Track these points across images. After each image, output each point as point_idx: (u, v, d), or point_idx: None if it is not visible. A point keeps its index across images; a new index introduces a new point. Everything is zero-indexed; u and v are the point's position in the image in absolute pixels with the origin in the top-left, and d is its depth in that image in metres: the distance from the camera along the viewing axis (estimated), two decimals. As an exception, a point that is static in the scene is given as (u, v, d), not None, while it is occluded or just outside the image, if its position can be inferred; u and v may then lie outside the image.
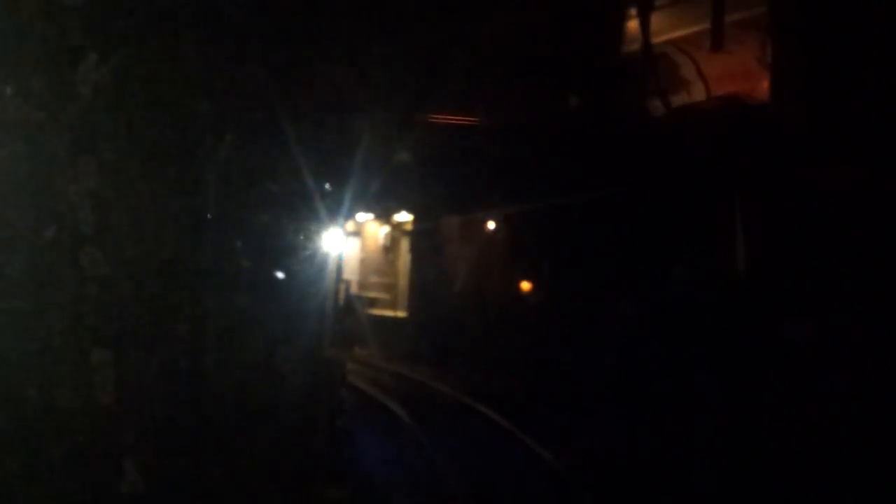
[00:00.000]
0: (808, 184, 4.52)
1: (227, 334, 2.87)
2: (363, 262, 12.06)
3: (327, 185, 3.59)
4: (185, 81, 2.71)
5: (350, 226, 9.05)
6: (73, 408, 2.44)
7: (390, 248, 12.08)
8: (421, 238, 10.46)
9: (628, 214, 5.60)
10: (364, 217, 11.02)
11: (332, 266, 3.63)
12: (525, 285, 8.18)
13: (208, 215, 2.90)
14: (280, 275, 3.13)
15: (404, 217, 11.05)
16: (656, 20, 5.88)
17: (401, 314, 10.86)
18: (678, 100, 6.05)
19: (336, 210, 3.82)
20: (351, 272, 9.94)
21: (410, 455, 4.74)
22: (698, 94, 6.12)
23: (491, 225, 8.51)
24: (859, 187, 4.33)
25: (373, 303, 10.63)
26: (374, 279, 11.46)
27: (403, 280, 11.60)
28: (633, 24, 6.09)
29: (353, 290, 8.81)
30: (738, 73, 5.84)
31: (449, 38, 5.24)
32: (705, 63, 6.09)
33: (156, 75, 2.66)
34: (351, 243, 10.23)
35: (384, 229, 11.85)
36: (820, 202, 4.42)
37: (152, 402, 2.61)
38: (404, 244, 11.68)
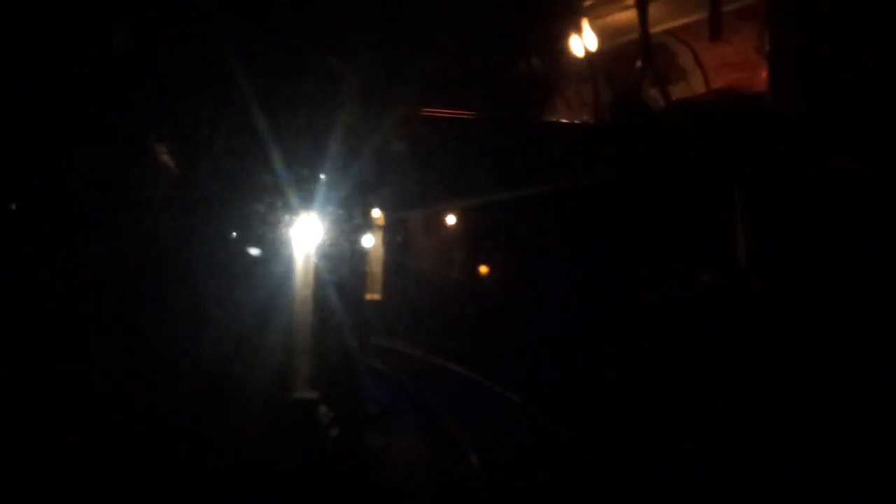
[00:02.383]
0: (805, 173, 4.51)
1: (226, 321, 2.96)
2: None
3: (322, 177, 3.70)
4: (181, 74, 2.73)
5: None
6: (74, 400, 2.47)
7: (364, 239, 13.08)
8: (391, 231, 11.39)
9: (574, 207, 5.92)
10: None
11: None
12: (482, 269, 9.28)
13: (205, 207, 2.93)
14: (321, 264, 3.57)
15: (375, 213, 11.88)
16: (654, 10, 5.85)
17: (375, 296, 11.78)
18: (677, 90, 6.02)
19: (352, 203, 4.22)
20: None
21: (401, 393, 6.30)
22: (697, 83, 6.10)
23: (451, 219, 9.54)
24: (857, 176, 4.32)
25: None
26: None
27: (377, 267, 12.47)
28: (631, 15, 6.04)
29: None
30: (736, 63, 5.81)
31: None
32: (703, 53, 6.06)
33: (151, 68, 2.68)
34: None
35: (358, 223, 12.76)
36: (818, 191, 4.40)
37: (152, 392, 2.63)
38: (377, 236, 12.51)
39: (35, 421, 2.43)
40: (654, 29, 6.05)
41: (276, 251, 3.16)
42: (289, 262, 3.11)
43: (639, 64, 6.05)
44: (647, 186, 5.13)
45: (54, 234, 2.64)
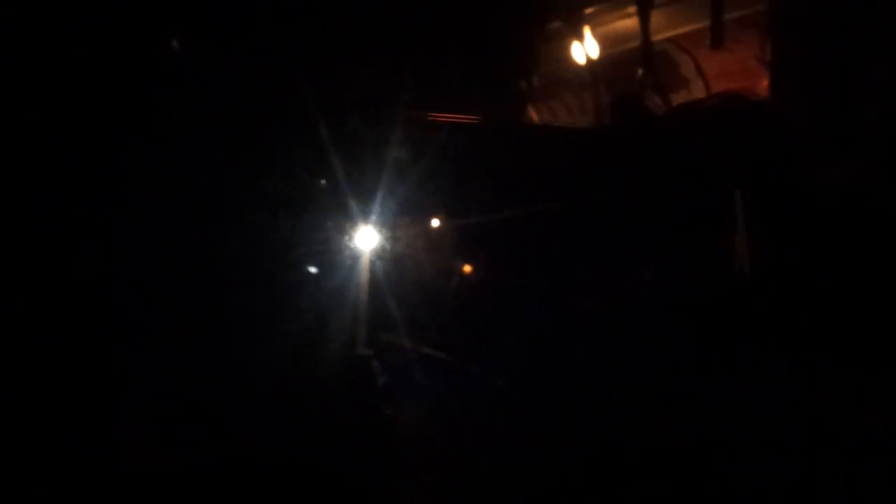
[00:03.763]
0: (807, 180, 4.51)
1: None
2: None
3: (323, 182, 3.93)
4: (184, 79, 2.76)
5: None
6: (84, 403, 2.49)
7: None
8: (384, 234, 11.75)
9: (572, 208, 5.95)
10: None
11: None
12: (466, 268, 9.52)
13: (211, 213, 2.97)
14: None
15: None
16: (656, 18, 5.89)
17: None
18: (678, 97, 6.05)
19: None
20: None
21: (399, 378, 6.27)
22: (698, 91, 6.12)
23: (446, 219, 9.89)
24: (859, 183, 4.33)
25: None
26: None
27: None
28: (632, 22, 6.08)
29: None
30: (737, 71, 5.84)
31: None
32: (705, 61, 6.09)
33: (154, 72, 2.70)
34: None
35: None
36: (820, 198, 4.41)
37: (161, 393, 2.68)
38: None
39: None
40: (656, 37, 6.09)
41: (346, 252, 4.21)
42: (354, 260, 4.22)
43: (640, 71, 6.08)
44: (647, 188, 5.13)
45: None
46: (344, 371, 4.12)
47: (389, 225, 6.01)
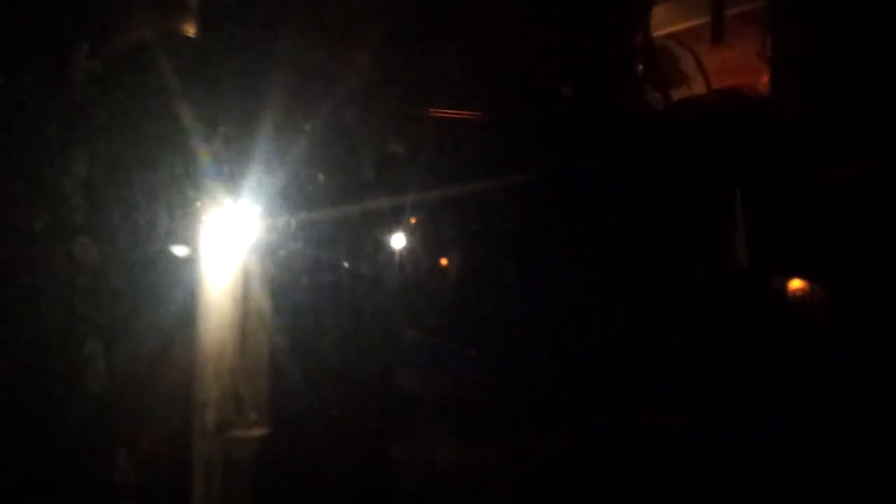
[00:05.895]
0: (807, 177, 4.50)
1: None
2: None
3: (320, 177, 3.97)
4: (178, 71, 2.75)
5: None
6: (65, 398, 2.48)
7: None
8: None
9: (572, 205, 5.93)
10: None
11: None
12: (443, 261, 9.79)
13: (199, 206, 2.95)
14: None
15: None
16: (656, 13, 5.84)
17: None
18: (678, 93, 6.01)
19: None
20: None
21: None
22: (698, 87, 6.07)
23: (412, 219, 10.10)
24: (860, 181, 4.31)
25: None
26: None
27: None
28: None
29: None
30: (738, 67, 5.79)
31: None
32: (705, 57, 6.04)
33: (148, 66, 2.70)
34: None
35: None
36: (818, 196, 4.39)
37: (145, 391, 2.66)
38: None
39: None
40: (656, 32, 6.05)
41: (387, 253, 4.91)
42: (391, 259, 5.00)
43: (640, 67, 6.05)
44: (647, 184, 5.12)
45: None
46: (388, 339, 4.92)
47: (385, 220, 6.07)
